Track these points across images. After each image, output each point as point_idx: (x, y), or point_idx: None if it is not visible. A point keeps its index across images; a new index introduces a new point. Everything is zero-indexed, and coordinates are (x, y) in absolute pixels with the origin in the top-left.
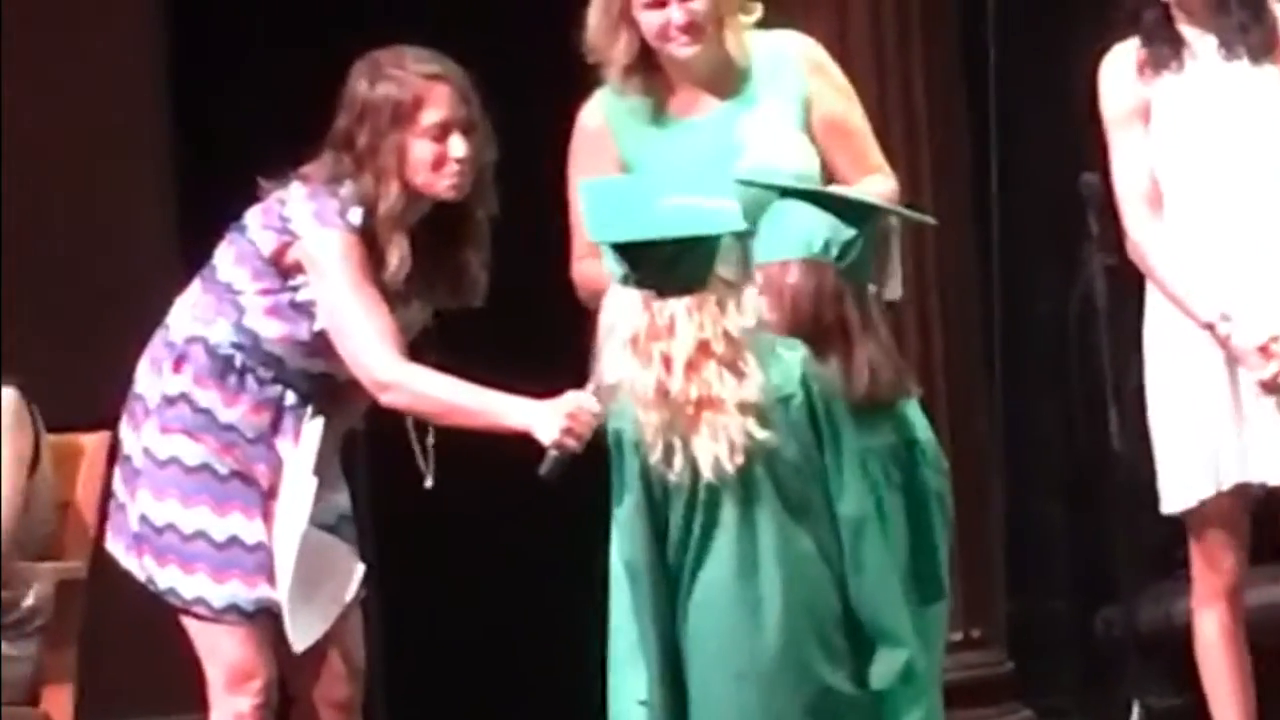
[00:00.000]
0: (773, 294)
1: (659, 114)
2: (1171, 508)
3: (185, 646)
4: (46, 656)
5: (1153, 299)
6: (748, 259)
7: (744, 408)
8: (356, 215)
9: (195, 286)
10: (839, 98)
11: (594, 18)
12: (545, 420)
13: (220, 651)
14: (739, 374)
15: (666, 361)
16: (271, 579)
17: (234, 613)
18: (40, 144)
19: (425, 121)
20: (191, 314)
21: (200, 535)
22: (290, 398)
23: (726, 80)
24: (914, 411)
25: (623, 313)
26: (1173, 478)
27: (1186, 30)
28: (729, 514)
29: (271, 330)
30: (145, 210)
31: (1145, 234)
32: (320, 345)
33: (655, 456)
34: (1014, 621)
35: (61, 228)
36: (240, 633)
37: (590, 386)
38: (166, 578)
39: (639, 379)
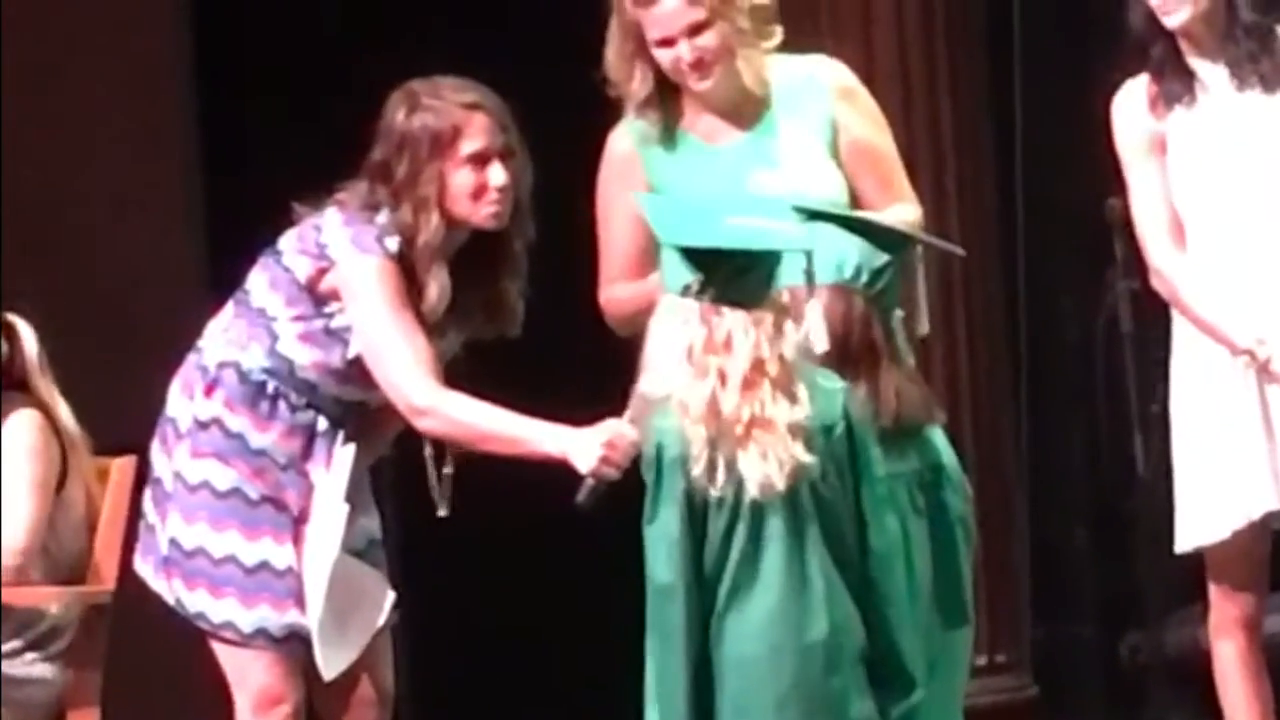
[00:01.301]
0: (801, 317)
1: (686, 141)
2: (1186, 546)
3: (213, 670)
4: (71, 680)
5: (1179, 331)
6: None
7: (794, 430)
8: (393, 243)
9: (228, 310)
10: (867, 124)
11: (610, 53)
12: (583, 448)
13: (249, 676)
14: (791, 397)
15: (722, 376)
16: (301, 604)
17: (263, 638)
18: (69, 164)
19: (464, 151)
20: (224, 338)
21: (230, 560)
22: (322, 424)
23: (746, 109)
24: (939, 437)
25: (678, 325)
26: (1191, 516)
27: (1196, 63)
28: (775, 535)
29: (305, 357)
30: (175, 232)
31: (1171, 266)
32: (353, 372)
33: (698, 470)
34: (1039, 646)
35: (91, 250)
36: (269, 658)
37: (633, 397)
38: (196, 601)
39: (691, 392)
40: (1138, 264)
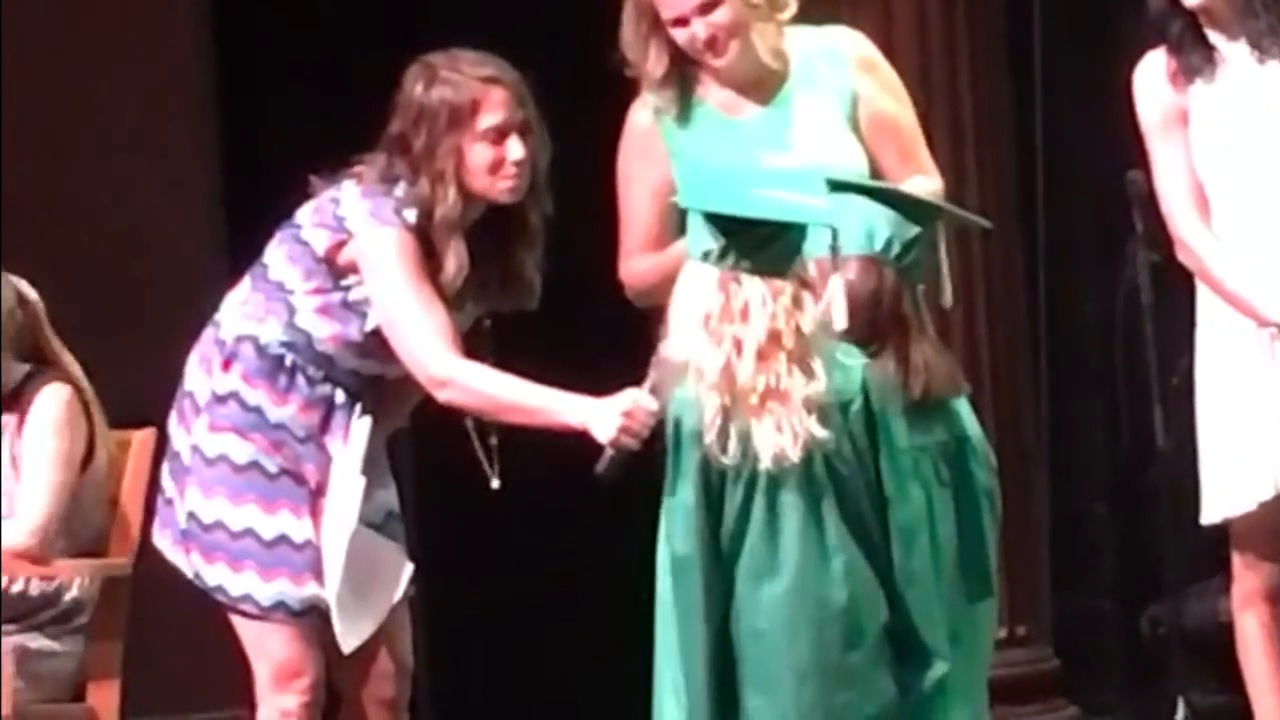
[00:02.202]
0: (823, 290)
1: (706, 113)
2: (1213, 518)
3: (232, 643)
4: (92, 652)
5: (1204, 303)
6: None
7: (809, 404)
8: (411, 215)
9: (245, 284)
10: (888, 96)
11: (627, 33)
12: (602, 418)
13: (268, 649)
14: (808, 371)
15: (737, 345)
16: (320, 577)
17: (282, 611)
18: (86, 139)
19: (482, 125)
20: (242, 312)
21: (248, 533)
22: (340, 397)
23: (765, 83)
24: (964, 409)
25: (697, 290)
26: (1217, 487)
27: (1215, 38)
28: (792, 509)
29: (323, 330)
30: (191, 205)
31: (1198, 238)
32: (371, 345)
33: (710, 437)
34: (1060, 619)
35: (108, 223)
36: (288, 631)
37: (653, 363)
38: (214, 575)
39: (707, 358)
40: (1159, 236)
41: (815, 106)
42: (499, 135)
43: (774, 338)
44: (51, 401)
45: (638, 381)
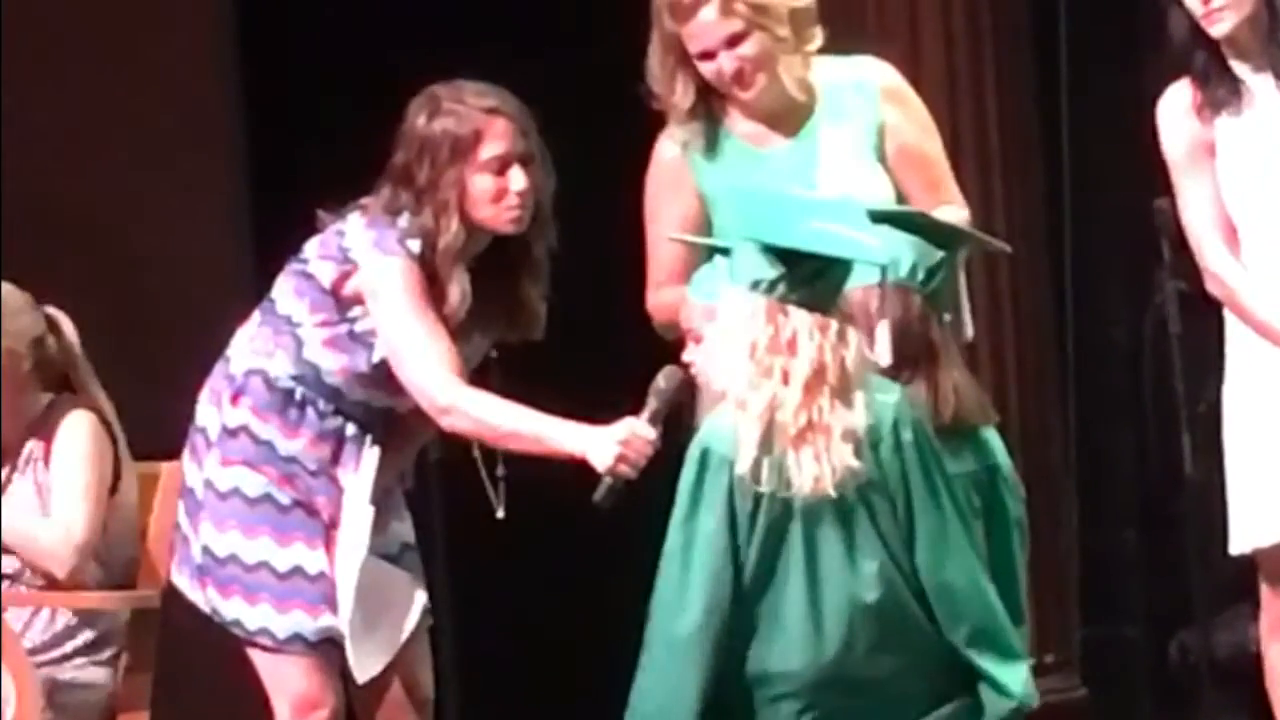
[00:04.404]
0: (858, 319)
1: (733, 146)
2: (1242, 548)
3: (253, 676)
4: (121, 684)
5: (1234, 333)
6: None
7: (847, 436)
8: (415, 245)
9: (255, 319)
10: (915, 127)
11: (653, 66)
12: (600, 447)
13: (286, 682)
14: (849, 405)
15: (785, 377)
16: (335, 608)
17: (298, 643)
18: (113, 174)
19: (484, 155)
20: (251, 347)
21: (263, 566)
22: (351, 429)
23: (791, 115)
24: (994, 438)
25: (743, 319)
26: (1246, 517)
27: (1239, 68)
28: (826, 538)
29: (331, 362)
30: (218, 237)
31: (1227, 269)
32: (379, 377)
33: (745, 467)
34: (1088, 647)
35: (136, 257)
36: (305, 663)
37: (651, 391)
38: (230, 609)
39: (752, 390)
40: (1186, 265)
41: (842, 138)
42: (501, 166)
43: (819, 372)
44: (76, 431)
45: (637, 410)
